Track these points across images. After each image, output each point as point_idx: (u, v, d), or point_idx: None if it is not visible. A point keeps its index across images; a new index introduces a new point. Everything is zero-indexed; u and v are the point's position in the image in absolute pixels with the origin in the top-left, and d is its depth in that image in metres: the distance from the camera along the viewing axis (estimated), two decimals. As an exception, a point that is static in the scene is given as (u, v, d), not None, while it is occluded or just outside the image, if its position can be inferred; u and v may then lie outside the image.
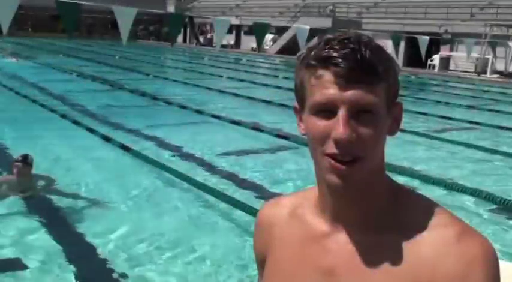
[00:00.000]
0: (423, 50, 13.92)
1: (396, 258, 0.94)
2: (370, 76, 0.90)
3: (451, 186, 6.35)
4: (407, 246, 0.94)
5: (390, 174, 1.04)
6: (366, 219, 0.99)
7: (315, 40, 1.15)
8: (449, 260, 0.91)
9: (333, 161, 0.92)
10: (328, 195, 1.00)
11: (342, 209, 1.00)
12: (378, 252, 0.96)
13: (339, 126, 0.89)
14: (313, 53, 0.94)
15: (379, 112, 0.92)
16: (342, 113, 0.90)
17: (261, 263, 1.15)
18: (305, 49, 0.98)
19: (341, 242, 1.00)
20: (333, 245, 1.01)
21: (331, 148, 0.91)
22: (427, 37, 13.91)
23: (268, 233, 1.14)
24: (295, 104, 1.01)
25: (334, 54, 0.90)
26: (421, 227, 0.95)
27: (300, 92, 0.98)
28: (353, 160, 0.92)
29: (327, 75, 0.91)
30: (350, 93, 0.90)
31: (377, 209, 0.99)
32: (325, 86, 0.91)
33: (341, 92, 0.90)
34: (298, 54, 0.99)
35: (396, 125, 1.01)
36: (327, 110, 0.91)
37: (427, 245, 0.93)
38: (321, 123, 0.92)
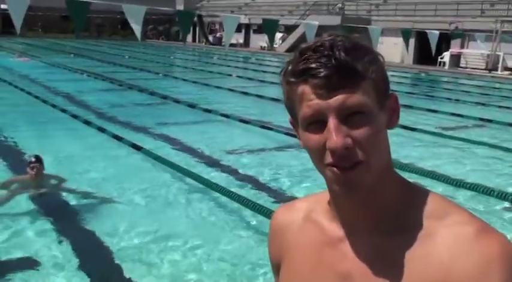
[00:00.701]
0: (433, 44, 13.83)
1: (412, 259, 0.93)
2: (350, 78, 0.89)
3: (462, 184, 6.30)
4: (423, 247, 0.93)
5: (398, 172, 1.02)
6: (379, 221, 0.98)
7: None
8: (466, 260, 0.88)
9: (335, 169, 0.91)
10: (338, 201, 1.00)
11: (355, 213, 0.99)
12: (393, 254, 0.95)
13: (331, 136, 0.88)
14: (290, 67, 0.94)
15: (370, 110, 0.91)
16: (331, 121, 0.89)
17: (277, 267, 1.15)
18: (285, 64, 0.97)
19: (356, 246, 0.99)
20: (348, 249, 1.00)
21: (329, 158, 0.91)
22: (437, 32, 13.83)
23: (283, 238, 1.13)
24: (290, 118, 1.01)
25: (311, 65, 0.90)
26: (437, 226, 0.94)
27: (290, 109, 0.98)
28: (355, 164, 0.90)
29: (308, 88, 0.90)
30: (334, 100, 0.89)
31: (390, 210, 0.98)
32: (309, 99, 0.90)
33: (326, 101, 0.89)
34: (280, 70, 0.98)
35: (395, 117, 0.99)
36: (317, 122, 0.91)
37: (443, 245, 0.91)
38: (315, 137, 0.92)
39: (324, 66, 0.89)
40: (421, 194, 1.00)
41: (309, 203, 1.13)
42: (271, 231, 1.18)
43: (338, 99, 0.89)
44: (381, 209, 0.98)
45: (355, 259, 0.99)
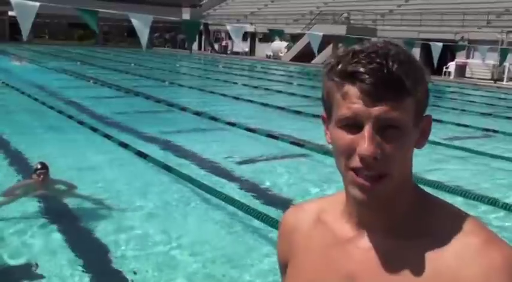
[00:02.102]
0: (436, 56, 13.78)
1: (418, 264, 0.94)
2: (397, 92, 0.89)
3: (467, 195, 6.29)
4: (430, 253, 0.94)
5: None
6: (390, 225, 0.99)
7: (341, 48, 1.14)
8: (470, 269, 0.89)
9: (356, 177, 0.92)
10: (353, 204, 1.01)
11: (367, 216, 1.00)
12: (400, 258, 0.96)
13: (363, 142, 0.89)
14: (339, 66, 0.93)
15: (406, 127, 0.92)
16: (367, 128, 0.90)
17: (284, 268, 1.16)
18: (332, 58, 0.96)
19: (364, 247, 1.00)
20: (355, 250, 1.01)
21: (355, 162, 0.91)
22: (440, 44, 13.79)
23: (291, 238, 1.14)
24: (324, 113, 1.01)
25: (361, 69, 0.90)
26: (446, 234, 0.95)
27: (327, 104, 0.98)
28: (378, 176, 0.91)
29: (353, 91, 0.91)
30: (376, 109, 0.89)
31: (402, 216, 0.99)
32: (352, 101, 0.91)
33: (367, 108, 0.89)
34: (324, 62, 0.98)
35: (424, 138, 1.00)
36: (352, 125, 0.91)
37: (450, 253, 0.92)
38: (346, 137, 0.92)
39: (375, 74, 0.89)
40: (436, 204, 1.02)
41: (319, 204, 1.14)
42: (280, 232, 1.20)
43: (380, 109, 0.89)
44: (395, 215, 0.99)
45: (361, 260, 0.99)
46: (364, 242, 1.01)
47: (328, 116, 0.99)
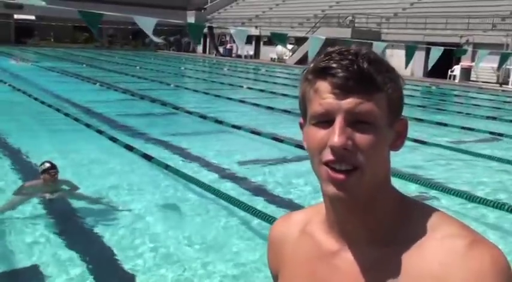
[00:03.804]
0: (433, 59, 13.69)
1: (403, 272, 0.92)
2: (368, 85, 0.91)
3: (473, 198, 6.29)
4: (415, 260, 0.92)
5: (410, 185, 1.05)
6: (372, 233, 0.98)
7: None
8: (456, 273, 0.87)
9: (330, 171, 0.92)
10: (331, 209, 1.00)
11: (348, 224, 0.99)
12: (385, 267, 0.94)
13: (334, 134, 0.90)
14: (312, 65, 0.96)
15: (378, 122, 0.92)
16: (338, 120, 0.91)
17: (275, 278, 1.16)
18: (309, 64, 0.99)
19: (349, 260, 0.99)
20: (341, 263, 1.00)
21: (327, 155, 0.92)
22: (442, 47, 13.72)
23: (279, 250, 1.14)
24: (301, 119, 1.02)
25: (333, 64, 0.92)
26: (429, 239, 0.94)
27: (302, 106, 1.00)
28: (351, 169, 0.91)
29: (324, 86, 0.93)
30: (347, 102, 0.91)
31: (384, 223, 0.98)
32: (323, 97, 0.93)
33: (338, 101, 0.91)
34: (303, 70, 1.01)
35: (400, 141, 1.00)
36: (325, 120, 0.92)
37: (435, 258, 0.91)
38: (319, 133, 0.93)
39: (345, 68, 0.91)
40: (416, 208, 1.00)
41: (307, 214, 1.14)
42: (269, 243, 1.20)
43: (350, 102, 0.91)
44: (376, 222, 0.98)
45: (347, 273, 0.99)
46: (348, 254, 1.00)
47: (304, 119, 1.00)
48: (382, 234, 0.98)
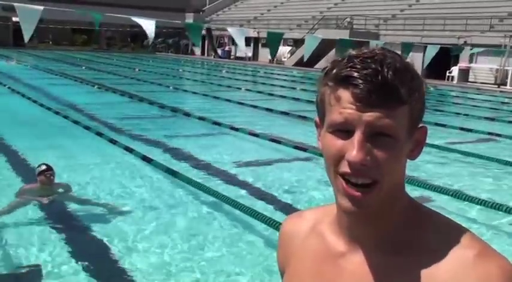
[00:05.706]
0: (428, 59, 13.67)
1: (411, 280, 0.91)
2: (391, 100, 0.88)
3: (470, 200, 6.29)
4: (424, 268, 0.91)
5: (407, 186, 1.04)
6: (382, 239, 0.97)
7: (332, 53, 1.13)
8: None
9: (345, 184, 0.91)
10: (343, 215, 1.00)
11: (358, 229, 0.99)
12: (393, 274, 0.94)
13: (353, 148, 0.88)
14: (334, 70, 0.92)
15: (398, 136, 0.90)
16: (358, 135, 0.88)
17: (282, 274, 1.17)
18: (329, 64, 0.95)
19: (356, 262, 0.99)
20: (348, 265, 1.00)
21: (344, 167, 0.90)
22: (438, 45, 13.74)
23: (288, 245, 1.15)
24: (317, 118, 1.00)
25: (355, 74, 0.88)
26: (439, 248, 0.93)
27: (320, 108, 0.97)
28: (367, 184, 0.90)
29: (346, 95, 0.89)
30: (368, 116, 0.88)
31: (394, 229, 0.97)
32: (344, 106, 0.89)
33: (359, 114, 0.88)
34: (322, 68, 0.97)
35: (418, 149, 0.97)
36: (344, 130, 0.90)
37: (444, 267, 0.90)
38: (337, 142, 0.90)
39: (369, 79, 0.87)
40: (427, 215, 1.00)
41: (318, 214, 1.14)
42: (279, 239, 1.20)
43: (371, 116, 0.88)
44: (386, 227, 0.97)
45: (353, 276, 0.98)
46: (356, 257, 0.99)
47: (320, 120, 0.98)
48: (393, 241, 0.97)
